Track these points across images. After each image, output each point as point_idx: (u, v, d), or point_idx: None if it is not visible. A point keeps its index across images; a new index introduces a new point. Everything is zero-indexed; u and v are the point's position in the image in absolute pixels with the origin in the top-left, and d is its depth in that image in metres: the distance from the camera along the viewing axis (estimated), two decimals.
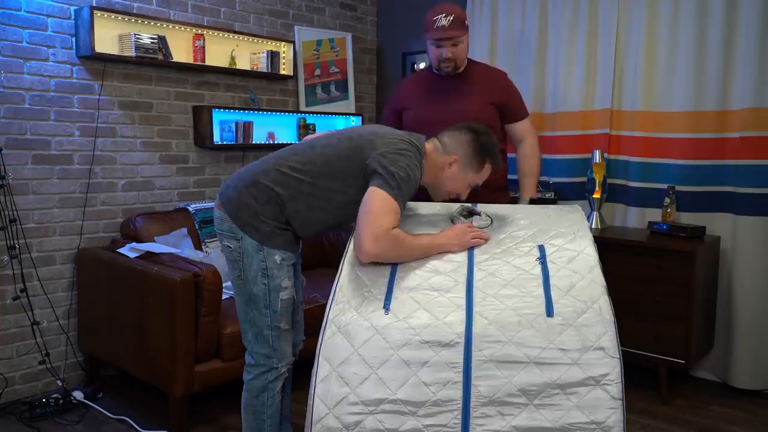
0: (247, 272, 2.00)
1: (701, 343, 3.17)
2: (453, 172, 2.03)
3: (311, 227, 2.04)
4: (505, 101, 2.73)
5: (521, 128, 2.79)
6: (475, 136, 2.03)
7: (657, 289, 3.09)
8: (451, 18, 2.57)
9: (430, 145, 2.05)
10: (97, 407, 2.97)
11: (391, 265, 1.80)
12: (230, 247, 2.02)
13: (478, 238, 1.89)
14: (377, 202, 1.81)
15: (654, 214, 3.48)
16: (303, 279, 2.34)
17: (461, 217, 2.02)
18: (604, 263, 1.82)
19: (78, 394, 3.00)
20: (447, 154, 2.03)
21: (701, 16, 3.28)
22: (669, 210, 3.33)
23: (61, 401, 2.93)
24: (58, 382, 3.14)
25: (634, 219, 3.56)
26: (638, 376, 3.33)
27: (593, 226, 3.47)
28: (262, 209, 1.98)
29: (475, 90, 2.70)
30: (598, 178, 3.46)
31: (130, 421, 2.84)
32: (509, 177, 3.03)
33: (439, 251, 1.87)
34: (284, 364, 2.09)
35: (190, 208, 3.44)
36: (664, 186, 3.40)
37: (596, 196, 3.47)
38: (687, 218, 3.38)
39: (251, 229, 1.98)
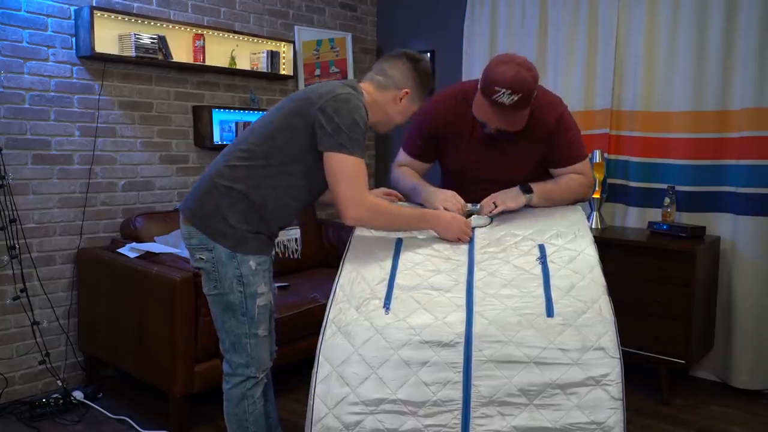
0: (222, 281, 1.95)
1: (701, 343, 3.17)
2: (403, 106, 2.01)
3: (288, 209, 1.97)
4: (551, 149, 2.13)
5: (567, 169, 2.16)
6: (416, 64, 1.99)
7: (657, 289, 3.09)
8: (516, 98, 1.91)
9: (368, 83, 2.01)
10: (97, 407, 2.97)
11: (391, 264, 1.80)
12: (203, 259, 1.96)
13: (463, 236, 1.90)
14: (339, 171, 1.83)
15: (654, 214, 3.49)
16: (275, 286, 2.28)
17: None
18: (604, 263, 1.82)
19: (78, 394, 3.00)
20: (396, 89, 1.98)
21: (701, 17, 3.28)
22: (669, 210, 3.33)
23: (61, 401, 2.93)
24: (58, 382, 3.14)
25: (634, 219, 3.57)
26: (638, 376, 3.33)
27: (593, 226, 3.47)
28: (229, 213, 1.91)
29: (524, 143, 2.12)
30: (598, 178, 3.46)
31: (130, 421, 2.84)
32: None
33: (427, 227, 1.90)
34: (262, 370, 2.04)
35: None
36: (664, 186, 3.41)
37: (596, 196, 3.47)
38: (687, 218, 3.38)
39: (221, 237, 1.92)
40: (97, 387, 3.12)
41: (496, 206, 2.04)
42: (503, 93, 1.90)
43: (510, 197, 2.07)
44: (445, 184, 2.26)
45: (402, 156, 2.33)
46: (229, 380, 2.05)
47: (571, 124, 2.15)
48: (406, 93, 1.99)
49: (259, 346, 2.01)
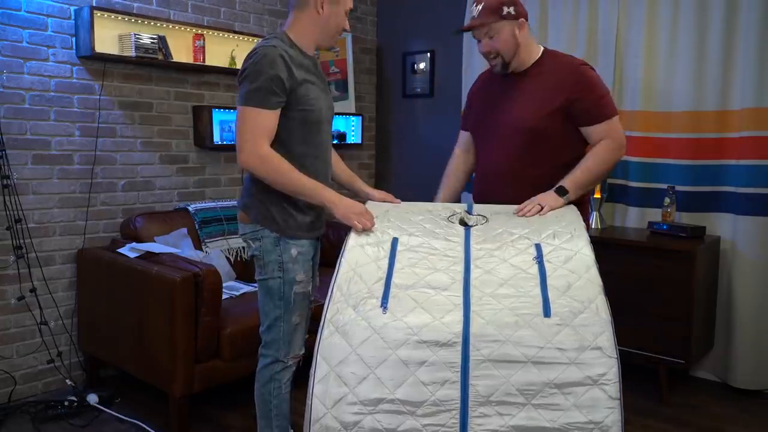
0: (265, 267, 2.10)
1: (701, 343, 3.17)
2: (327, 12, 2.07)
3: (309, 171, 2.07)
4: (571, 101, 2.17)
5: (596, 133, 2.19)
6: None
7: (657, 289, 3.09)
8: (480, 7, 2.19)
9: (290, 19, 2.10)
10: (109, 411, 2.97)
11: (387, 263, 1.80)
12: (252, 246, 2.12)
13: (363, 222, 1.92)
14: (239, 119, 1.97)
15: (654, 214, 3.49)
16: (317, 280, 2.35)
17: (457, 215, 2.01)
18: (604, 263, 1.82)
19: (92, 398, 2.99)
20: (314, 2, 2.05)
21: (701, 17, 3.28)
22: (669, 210, 3.33)
23: (75, 404, 2.93)
24: (68, 381, 3.16)
25: (634, 219, 3.56)
26: (638, 376, 3.33)
27: (593, 226, 3.47)
28: (264, 185, 2.04)
29: (536, 93, 2.21)
30: None
31: (145, 426, 2.82)
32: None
33: (318, 201, 1.99)
34: (292, 356, 2.16)
35: (190, 208, 3.45)
36: (664, 186, 3.40)
37: (596, 196, 3.47)
38: (687, 218, 3.38)
39: (268, 221, 2.07)
40: (114, 391, 3.11)
41: (542, 208, 2.06)
42: (473, 8, 2.22)
43: (552, 198, 2.11)
44: (477, 150, 2.43)
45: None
46: (261, 360, 2.18)
47: (596, 81, 2.22)
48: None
49: (291, 332, 2.13)
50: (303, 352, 2.21)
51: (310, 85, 2.04)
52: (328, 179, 2.18)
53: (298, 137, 2.05)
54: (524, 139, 2.21)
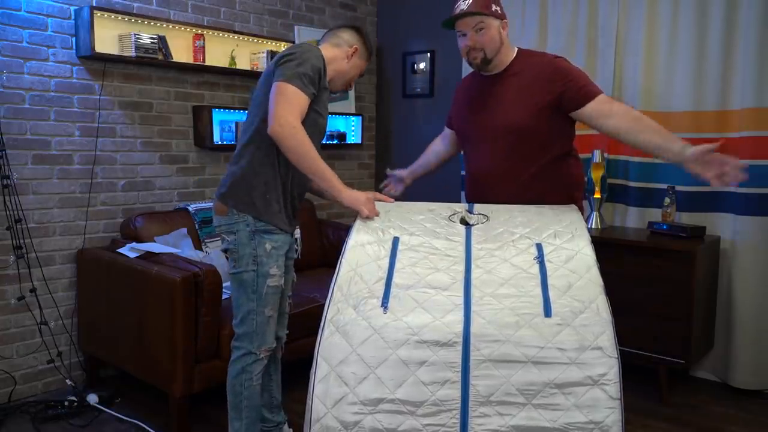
0: (239, 260, 2.18)
1: (701, 343, 3.17)
2: (354, 62, 2.31)
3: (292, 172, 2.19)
4: (558, 95, 2.18)
5: (592, 110, 2.17)
6: (360, 30, 2.35)
7: (657, 289, 3.09)
8: (471, 1, 2.19)
9: (325, 44, 2.30)
10: (109, 411, 2.97)
11: (388, 262, 1.80)
12: (227, 240, 2.20)
13: (370, 208, 2.02)
14: (277, 92, 2.03)
15: (654, 214, 3.49)
16: (294, 276, 2.48)
17: (458, 215, 2.01)
18: (604, 263, 1.82)
19: (92, 398, 2.99)
20: (348, 46, 2.30)
21: (701, 16, 3.28)
22: (669, 210, 3.33)
23: (75, 404, 2.93)
24: (68, 381, 3.15)
25: (634, 219, 3.56)
26: (638, 376, 3.33)
27: (593, 226, 3.47)
28: (252, 171, 2.16)
29: (519, 93, 2.23)
30: (597, 178, 3.47)
31: (145, 426, 2.82)
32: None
33: (328, 186, 2.07)
34: (263, 349, 2.22)
35: (190, 208, 3.45)
36: (664, 186, 3.41)
37: (596, 196, 3.47)
38: (687, 218, 3.38)
39: (248, 207, 2.15)
40: (114, 391, 3.11)
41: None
42: (460, 3, 2.23)
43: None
44: (464, 152, 2.48)
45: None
46: (234, 352, 2.25)
47: (573, 69, 2.25)
48: (356, 49, 2.30)
49: (263, 325, 2.20)
50: (275, 345, 2.31)
51: (327, 100, 2.24)
52: (304, 187, 2.32)
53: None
54: (513, 139, 2.23)
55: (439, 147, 2.71)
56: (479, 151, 2.33)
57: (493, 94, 2.29)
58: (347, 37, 2.30)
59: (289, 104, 2.01)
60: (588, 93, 2.19)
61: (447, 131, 2.65)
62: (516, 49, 2.33)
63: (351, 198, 2.05)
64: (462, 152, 2.56)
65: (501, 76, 2.29)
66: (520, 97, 2.23)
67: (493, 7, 2.22)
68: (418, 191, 4.51)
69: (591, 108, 2.18)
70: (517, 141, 2.22)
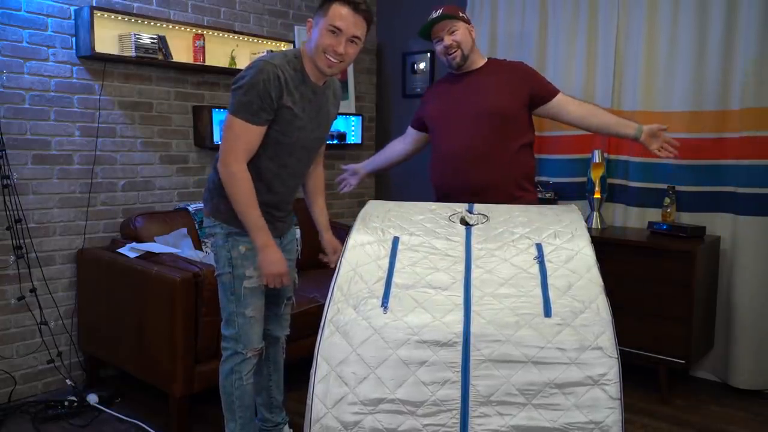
0: (218, 262, 2.22)
1: (701, 343, 3.17)
2: (313, 34, 2.07)
3: (264, 180, 2.17)
4: (533, 86, 2.60)
5: (561, 99, 2.62)
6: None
7: (657, 289, 3.09)
8: (440, 10, 2.59)
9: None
10: (109, 411, 2.97)
11: (388, 262, 1.80)
12: (209, 243, 2.26)
13: (274, 282, 2.10)
14: (225, 129, 2.05)
15: (654, 214, 3.49)
16: (296, 278, 2.47)
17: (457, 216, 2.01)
18: (604, 263, 1.82)
19: (92, 398, 2.99)
20: (308, 26, 2.12)
21: (701, 16, 3.28)
22: (669, 210, 3.33)
23: (75, 404, 2.93)
24: (68, 381, 3.16)
25: (634, 219, 3.56)
26: (638, 376, 3.33)
27: (593, 226, 3.47)
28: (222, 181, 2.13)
29: (498, 84, 2.58)
30: (597, 178, 3.47)
31: (145, 426, 2.82)
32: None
33: (254, 239, 2.09)
34: (250, 350, 2.22)
35: (190, 208, 3.45)
36: (664, 186, 3.41)
37: (596, 196, 3.47)
38: (687, 218, 3.38)
39: (219, 213, 2.17)
40: (114, 391, 3.11)
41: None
42: (432, 12, 2.62)
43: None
44: (432, 140, 2.73)
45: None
46: (222, 353, 2.27)
47: (536, 71, 2.71)
48: (309, 21, 2.12)
49: (246, 326, 2.20)
50: (262, 345, 2.30)
51: (294, 116, 2.09)
52: (285, 197, 2.26)
53: (267, 152, 2.12)
54: (496, 121, 2.52)
55: (398, 146, 2.96)
56: (458, 133, 2.56)
57: (472, 84, 2.60)
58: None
59: (234, 142, 2.02)
60: (552, 90, 2.64)
61: (410, 132, 2.90)
62: (486, 57, 2.70)
63: (265, 262, 2.09)
64: (430, 145, 2.77)
65: (476, 72, 2.63)
66: (502, 87, 2.57)
67: (460, 14, 2.61)
68: (418, 191, 4.51)
69: (557, 100, 2.62)
70: (499, 123, 2.52)
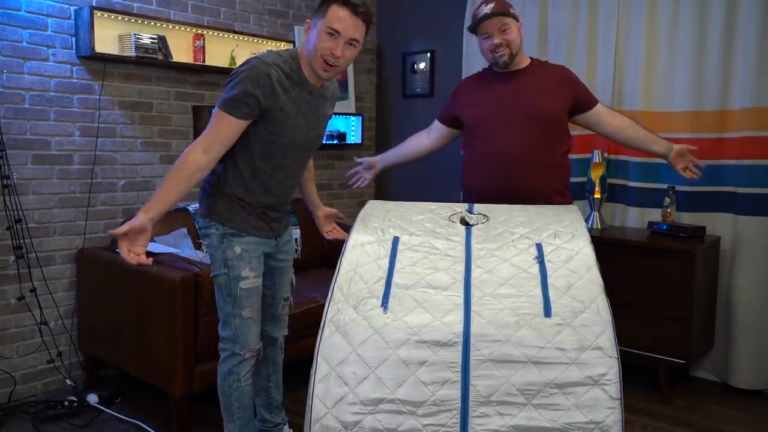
0: (213, 263, 2.19)
1: (701, 343, 3.17)
2: (312, 35, 2.04)
3: (256, 179, 2.15)
4: (577, 92, 2.58)
5: (601, 109, 2.63)
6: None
7: (657, 289, 3.09)
8: (492, 5, 2.47)
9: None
10: (109, 411, 2.97)
11: (388, 262, 1.80)
12: (205, 244, 2.24)
13: (124, 252, 1.89)
14: (212, 117, 2.03)
15: (654, 214, 3.49)
16: (293, 278, 2.45)
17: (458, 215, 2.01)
18: (604, 263, 1.82)
19: (92, 398, 2.99)
20: (306, 28, 2.09)
21: (701, 16, 3.28)
22: (669, 210, 3.33)
23: (75, 404, 2.93)
24: (68, 381, 3.16)
25: (634, 219, 3.56)
26: (638, 376, 3.33)
27: (593, 226, 3.47)
28: (217, 180, 2.15)
29: (543, 87, 2.53)
30: (597, 178, 3.47)
31: (145, 426, 2.82)
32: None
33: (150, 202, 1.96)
34: (248, 350, 2.22)
35: (190, 208, 3.45)
36: (664, 186, 3.40)
37: (596, 196, 3.47)
38: (687, 218, 3.38)
39: (214, 214, 2.16)
40: (114, 391, 3.11)
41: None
42: (483, 7, 2.47)
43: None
44: (470, 140, 2.65)
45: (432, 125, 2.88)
46: (220, 355, 2.26)
47: (579, 79, 2.66)
48: (308, 23, 2.08)
49: (243, 327, 2.19)
50: (260, 345, 2.29)
51: (285, 116, 2.06)
52: (281, 198, 2.24)
53: (261, 152, 2.11)
54: (539, 125, 2.47)
55: (424, 140, 2.88)
56: (502, 134, 2.49)
57: (518, 85, 2.53)
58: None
59: (209, 131, 2.00)
60: (593, 98, 2.64)
61: (437, 127, 2.81)
62: (529, 57, 2.62)
63: (125, 229, 1.89)
64: (464, 141, 2.70)
65: (520, 73, 2.56)
66: (547, 90, 2.52)
67: (511, 11, 2.51)
68: (419, 191, 4.51)
69: (597, 110, 2.62)
70: (545, 127, 2.49)
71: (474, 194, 2.57)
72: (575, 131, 3.70)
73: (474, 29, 2.51)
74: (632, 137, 2.64)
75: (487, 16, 2.45)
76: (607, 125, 2.63)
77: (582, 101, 2.59)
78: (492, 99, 2.56)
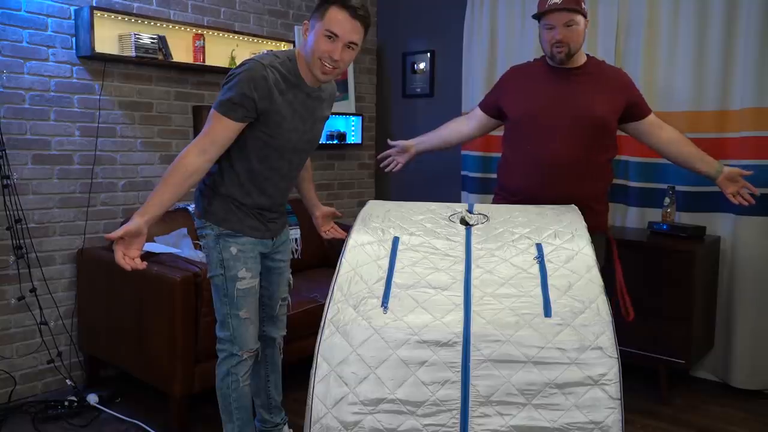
0: (210, 264, 2.20)
1: (701, 343, 3.17)
2: (309, 37, 2.02)
3: (251, 179, 2.15)
4: (630, 99, 2.47)
5: (653, 120, 2.53)
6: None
7: (657, 289, 3.09)
8: None
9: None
10: (109, 411, 2.97)
11: (388, 262, 1.80)
12: (201, 245, 2.22)
13: (119, 256, 1.89)
14: (208, 118, 2.05)
15: (654, 214, 3.48)
16: (290, 278, 2.45)
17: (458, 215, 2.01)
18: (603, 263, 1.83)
19: (92, 398, 2.99)
20: (304, 27, 2.07)
21: (701, 16, 3.28)
22: (669, 210, 3.33)
23: (75, 404, 2.93)
24: (68, 381, 3.16)
25: (634, 219, 3.56)
26: (638, 376, 3.33)
27: None
28: (213, 181, 2.16)
29: (597, 89, 2.41)
30: None
31: (145, 426, 2.82)
32: None
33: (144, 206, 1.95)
34: (245, 351, 2.22)
35: (190, 208, 3.44)
36: (664, 186, 3.40)
37: None
38: (687, 218, 3.38)
39: (210, 215, 2.16)
40: (114, 391, 3.11)
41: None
42: None
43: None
44: (515, 137, 2.54)
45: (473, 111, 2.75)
46: (218, 355, 2.26)
47: (635, 85, 2.57)
48: (306, 24, 2.06)
49: (240, 327, 2.19)
50: (258, 346, 2.29)
51: (282, 118, 2.06)
52: (277, 199, 2.23)
53: (257, 154, 2.11)
54: (593, 130, 2.38)
55: (463, 126, 2.74)
56: (552, 136, 2.39)
57: (572, 84, 2.42)
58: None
59: (205, 133, 2.01)
60: (647, 108, 2.54)
61: (478, 115, 2.69)
62: (586, 54, 2.49)
63: (130, 223, 1.89)
64: (507, 135, 2.58)
65: (576, 72, 2.43)
66: (601, 94, 2.40)
67: (583, 5, 2.36)
68: (418, 191, 4.51)
69: (649, 120, 2.53)
70: (596, 132, 2.39)
71: (509, 193, 2.51)
72: None
73: (539, 17, 2.40)
74: (680, 153, 2.53)
75: (556, 6, 2.31)
76: (655, 137, 2.52)
77: (635, 109, 2.48)
78: (542, 96, 2.43)
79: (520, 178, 2.48)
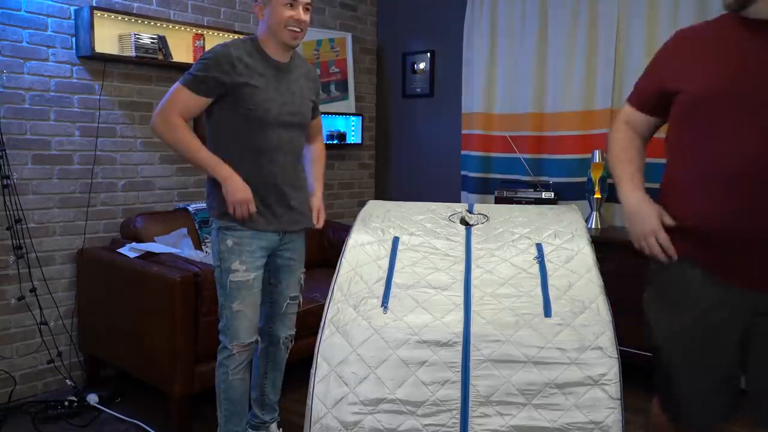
0: (213, 257, 2.28)
1: None
2: (266, 14, 2.19)
3: (244, 162, 2.21)
4: None
5: None
6: None
7: None
8: None
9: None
10: (109, 411, 2.97)
11: (388, 262, 1.80)
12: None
13: (240, 211, 2.14)
14: (167, 93, 2.15)
15: None
16: (302, 278, 2.47)
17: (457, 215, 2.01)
18: (604, 263, 1.82)
19: (92, 398, 2.99)
20: (257, 11, 2.22)
21: (701, 16, 3.28)
22: None
23: (75, 404, 2.93)
24: (68, 381, 3.15)
25: None
26: (638, 376, 3.32)
27: (593, 226, 3.46)
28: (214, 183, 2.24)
29: None
30: (597, 178, 3.46)
31: (145, 426, 2.82)
32: None
33: (213, 173, 2.16)
34: (236, 344, 2.24)
35: (190, 208, 3.45)
36: None
37: (596, 196, 3.47)
38: None
39: (211, 209, 2.25)
40: (114, 391, 3.11)
41: None
42: None
43: None
44: (680, 132, 1.70)
45: (623, 114, 1.86)
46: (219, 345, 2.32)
47: None
48: (255, 6, 2.23)
49: (232, 319, 2.22)
50: (252, 341, 2.29)
51: (254, 89, 2.16)
52: (278, 188, 2.25)
53: (242, 133, 2.18)
54: None
55: (638, 142, 1.84)
56: (756, 127, 1.53)
57: None
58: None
59: (170, 101, 2.12)
60: None
61: (636, 121, 1.82)
62: None
63: (229, 191, 2.13)
64: (674, 136, 1.73)
65: None
66: None
67: None
68: (418, 191, 4.51)
69: None
70: None
71: (696, 233, 1.65)
72: (574, 132, 3.73)
73: None
74: None
75: None
76: None
77: None
78: (742, 62, 1.57)
79: (711, 199, 1.60)
